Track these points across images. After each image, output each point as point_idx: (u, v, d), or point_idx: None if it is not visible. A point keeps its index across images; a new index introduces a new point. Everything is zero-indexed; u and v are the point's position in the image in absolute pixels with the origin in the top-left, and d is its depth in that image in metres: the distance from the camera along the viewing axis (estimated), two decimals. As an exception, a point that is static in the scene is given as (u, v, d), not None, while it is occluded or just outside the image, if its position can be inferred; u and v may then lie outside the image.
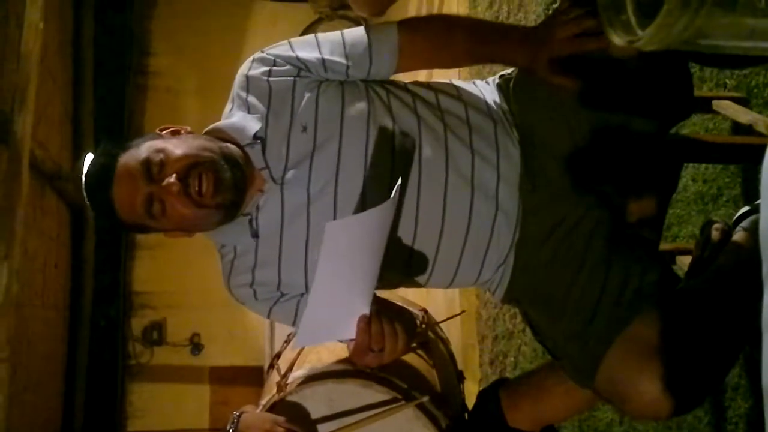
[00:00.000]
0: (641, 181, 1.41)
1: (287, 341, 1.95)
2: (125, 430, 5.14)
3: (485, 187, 1.34)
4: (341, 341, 1.36)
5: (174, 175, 1.26)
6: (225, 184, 1.28)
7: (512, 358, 2.84)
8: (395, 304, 1.37)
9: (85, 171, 1.36)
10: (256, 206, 1.36)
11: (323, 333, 1.26)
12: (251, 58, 1.41)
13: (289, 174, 1.34)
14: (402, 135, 1.33)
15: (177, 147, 1.30)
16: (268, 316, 1.45)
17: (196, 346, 5.16)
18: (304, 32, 5.68)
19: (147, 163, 1.28)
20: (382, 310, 1.24)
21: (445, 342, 2.06)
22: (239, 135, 1.35)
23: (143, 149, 1.31)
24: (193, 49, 5.72)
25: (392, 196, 1.11)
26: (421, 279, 1.40)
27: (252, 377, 4.80)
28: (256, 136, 1.34)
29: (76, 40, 4.99)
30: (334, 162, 1.32)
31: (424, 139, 1.34)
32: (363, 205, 1.30)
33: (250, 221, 1.36)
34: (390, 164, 1.32)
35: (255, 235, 1.36)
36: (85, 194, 1.37)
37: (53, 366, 4.48)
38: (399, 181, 1.16)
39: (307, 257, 1.34)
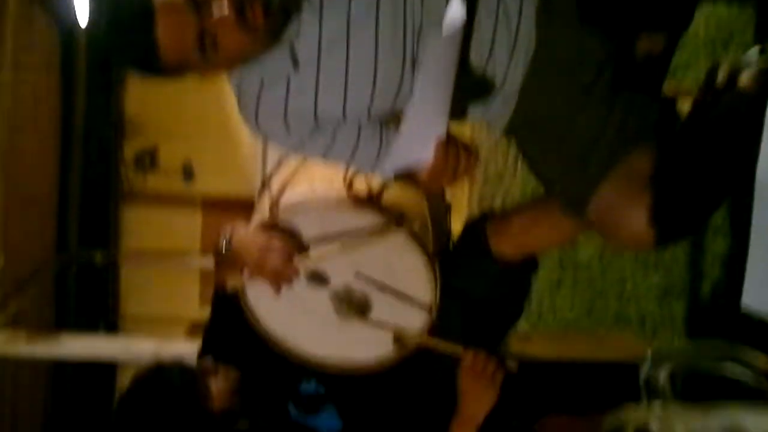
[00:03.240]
0: (654, 13, 1.39)
1: (279, 162, 1.95)
2: (119, 248, 5.26)
3: (509, 15, 1.31)
4: (417, 163, 1.34)
5: (227, 3, 1.18)
6: (275, 8, 1.22)
7: (500, 200, 2.89)
8: None
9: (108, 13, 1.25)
10: (295, 32, 1.30)
11: (408, 154, 1.29)
12: None
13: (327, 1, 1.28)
14: None
15: None
16: (297, 150, 1.42)
17: (188, 174, 5.19)
18: None
19: None
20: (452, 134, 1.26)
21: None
22: None
23: None
24: None
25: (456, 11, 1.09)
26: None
27: (243, 208, 4.86)
28: None
29: None
30: None
31: None
32: (403, 28, 1.26)
33: (291, 48, 1.31)
34: None
35: (294, 62, 1.31)
36: (117, 39, 1.26)
37: (47, 185, 4.53)
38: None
39: (347, 84, 1.31)
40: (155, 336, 3.37)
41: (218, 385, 1.64)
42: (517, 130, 1.41)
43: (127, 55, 1.29)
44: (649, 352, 1.00)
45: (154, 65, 1.25)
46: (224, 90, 1.42)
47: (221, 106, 4.59)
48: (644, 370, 1.00)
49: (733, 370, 0.95)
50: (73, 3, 4.22)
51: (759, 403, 0.91)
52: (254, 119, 1.37)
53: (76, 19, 4.28)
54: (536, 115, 1.36)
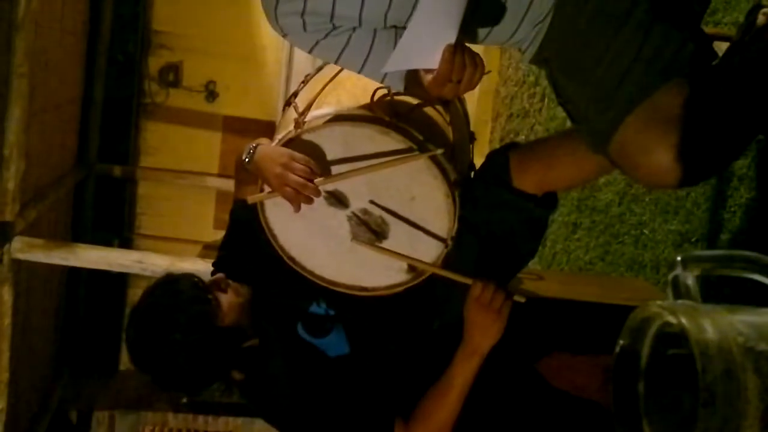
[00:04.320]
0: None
1: (304, 81, 1.94)
2: (137, 164, 5.29)
3: None
4: (424, 69, 1.34)
5: None
6: None
7: (523, 137, 2.86)
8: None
9: None
10: None
11: (412, 58, 1.28)
12: None
13: None
14: None
15: None
16: (311, 51, 1.43)
17: (211, 93, 5.18)
18: None
19: None
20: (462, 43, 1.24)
21: (462, 101, 2.05)
22: None
23: None
24: None
25: None
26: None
27: (264, 131, 4.87)
28: None
29: None
30: None
31: None
32: None
33: None
34: None
35: None
36: None
37: (70, 92, 4.52)
38: None
39: None
40: (168, 254, 3.41)
41: (229, 300, 1.66)
42: (548, 57, 1.39)
43: None
44: (678, 257, 1.00)
45: None
46: (252, 13, 1.41)
47: (248, 28, 4.54)
48: (672, 273, 1.01)
49: (761, 279, 0.96)
50: None
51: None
52: (273, 12, 1.38)
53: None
54: (568, 43, 1.33)
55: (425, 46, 1.23)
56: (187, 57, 5.12)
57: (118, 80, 4.98)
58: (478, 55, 1.28)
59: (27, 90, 3.00)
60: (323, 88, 1.78)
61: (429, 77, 1.28)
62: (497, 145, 3.24)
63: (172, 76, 5.10)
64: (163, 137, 5.25)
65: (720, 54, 1.59)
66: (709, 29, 1.69)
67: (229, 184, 1.78)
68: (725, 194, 1.66)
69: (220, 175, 5.13)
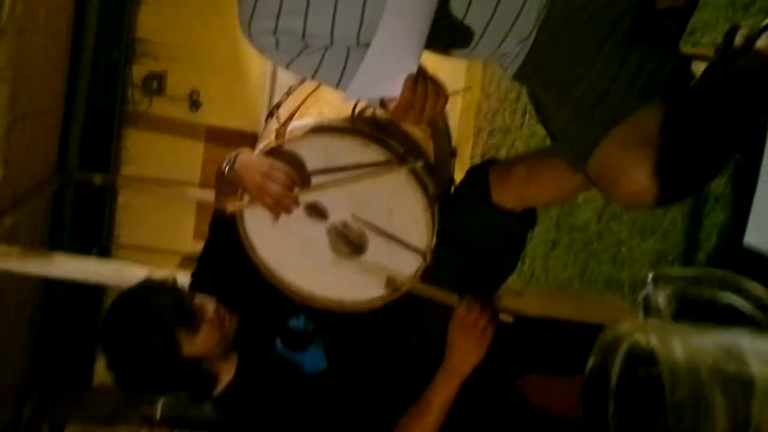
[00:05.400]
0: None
1: (287, 93, 1.94)
2: (118, 172, 5.25)
3: None
4: (384, 98, 1.36)
5: None
6: None
7: (504, 153, 2.88)
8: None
9: None
10: None
11: (373, 87, 1.29)
12: None
13: None
14: None
15: None
16: (287, 67, 1.44)
17: (194, 103, 5.16)
18: None
19: None
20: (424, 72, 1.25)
21: (444, 116, 2.06)
22: None
23: None
24: None
25: None
26: (442, 43, 1.38)
27: (247, 142, 4.85)
28: None
29: None
30: None
31: None
32: None
33: None
34: None
35: None
36: None
37: (52, 99, 4.49)
38: None
39: (336, 8, 1.31)
40: (147, 264, 3.37)
41: (208, 334, 1.63)
42: (530, 74, 1.40)
43: None
44: (650, 275, 1.01)
45: None
46: (237, 24, 1.42)
47: (233, 39, 4.54)
48: (644, 291, 1.01)
49: (731, 299, 0.97)
50: None
51: (756, 330, 0.92)
52: (248, 29, 1.40)
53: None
54: (550, 60, 1.34)
55: (386, 74, 1.25)
56: (172, 66, 5.11)
57: (101, 87, 4.95)
58: (440, 84, 1.30)
59: (8, 96, 2.98)
60: (305, 100, 1.78)
61: (393, 104, 1.29)
62: (478, 161, 3.25)
63: (156, 84, 5.08)
64: (145, 146, 5.23)
65: (698, 74, 1.61)
66: (687, 49, 1.71)
67: (210, 195, 1.77)
68: (702, 214, 1.68)
69: (201, 186, 5.11)
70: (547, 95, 1.38)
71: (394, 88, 1.27)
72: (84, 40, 4.71)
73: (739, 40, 1.42)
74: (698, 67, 1.63)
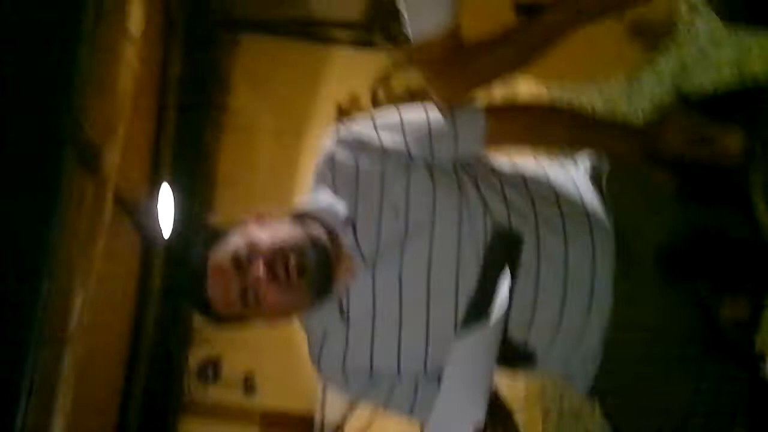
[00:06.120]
0: (736, 280, 1.38)
1: (350, 411, 1.93)
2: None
3: (579, 275, 1.33)
4: None
5: (262, 264, 1.29)
6: (310, 267, 1.30)
7: (573, 437, 2.77)
8: (502, 402, 1.37)
9: (178, 273, 1.40)
10: (346, 289, 1.37)
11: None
12: (336, 137, 1.43)
13: (381, 258, 1.34)
14: (493, 222, 1.33)
15: (263, 236, 1.33)
16: (357, 399, 1.47)
17: (249, 387, 5.17)
18: (380, 81, 5.77)
19: (236, 257, 1.32)
20: (493, 412, 1.25)
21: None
22: (329, 217, 1.38)
23: (231, 243, 1.34)
24: (272, 90, 5.87)
25: (503, 300, 1.13)
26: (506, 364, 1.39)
27: (302, 426, 4.80)
28: (346, 219, 1.36)
29: (163, 75, 5.17)
30: (427, 249, 1.32)
31: (514, 224, 1.34)
32: (456, 295, 1.30)
33: (340, 304, 1.37)
34: (481, 252, 1.32)
35: (345, 318, 1.37)
36: (182, 296, 1.41)
37: (110, 392, 4.54)
38: (507, 284, 1.17)
39: (400, 343, 1.34)
40: None
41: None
42: (602, 393, 1.38)
43: (190, 306, 1.43)
44: None
45: (212, 316, 1.38)
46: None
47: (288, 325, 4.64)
48: None
49: None
50: (157, 219, 4.50)
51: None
52: (318, 364, 1.43)
53: (160, 232, 4.52)
54: (621, 380, 1.33)
55: (454, 427, 1.24)
56: (227, 350, 5.19)
57: (158, 377, 5.01)
58: (510, 426, 1.31)
59: (71, 402, 3.02)
60: (370, 421, 1.77)
61: None
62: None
63: (211, 371, 5.14)
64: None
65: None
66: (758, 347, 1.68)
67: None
68: None
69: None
70: (622, 414, 1.35)
71: None
72: (143, 334, 4.85)
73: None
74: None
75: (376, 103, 5.83)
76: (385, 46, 5.88)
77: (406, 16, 1.33)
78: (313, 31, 6.12)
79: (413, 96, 5.60)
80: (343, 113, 5.80)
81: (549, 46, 1.31)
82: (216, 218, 5.30)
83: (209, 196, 5.44)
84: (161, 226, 4.53)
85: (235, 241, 1.34)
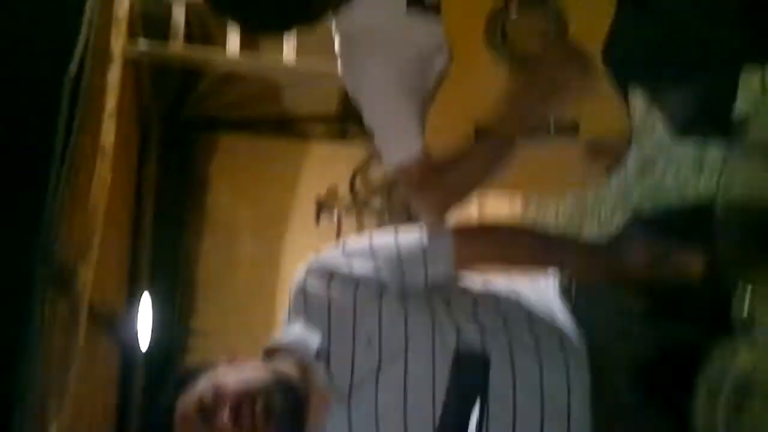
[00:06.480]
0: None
1: None
2: None
3: (555, 398, 1.31)
4: None
5: (226, 412, 1.27)
6: (277, 411, 1.28)
7: None
8: None
9: (147, 420, 1.41)
10: (322, 425, 1.33)
11: None
12: (306, 269, 1.43)
13: (356, 390, 1.32)
14: (465, 346, 1.32)
15: (229, 379, 1.31)
16: None
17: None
18: (357, 172, 5.82)
19: (200, 403, 1.30)
20: None
21: None
22: (300, 352, 1.36)
23: (198, 388, 1.32)
24: (251, 187, 5.91)
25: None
26: None
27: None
28: (319, 352, 1.34)
29: (138, 181, 5.19)
30: (401, 378, 1.30)
31: (487, 347, 1.33)
32: (433, 423, 1.27)
33: None
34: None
35: None
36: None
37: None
38: (476, 415, 1.14)
39: None
40: None
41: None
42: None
43: None
44: None
45: None
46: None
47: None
48: None
49: None
50: (136, 331, 4.45)
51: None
52: None
53: (138, 344, 4.47)
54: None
55: None
56: None
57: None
58: None
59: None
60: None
61: None
62: None
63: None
64: None
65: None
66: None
67: None
68: None
69: None
70: None
71: None
72: None
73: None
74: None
75: (354, 194, 5.88)
76: (361, 137, 5.97)
77: (377, 145, 1.38)
78: (288, 127, 6.21)
79: (390, 185, 5.64)
80: (322, 206, 5.84)
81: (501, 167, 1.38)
82: (197, 323, 5.26)
83: (191, 299, 5.41)
84: (140, 338, 4.47)
85: (202, 386, 1.33)
